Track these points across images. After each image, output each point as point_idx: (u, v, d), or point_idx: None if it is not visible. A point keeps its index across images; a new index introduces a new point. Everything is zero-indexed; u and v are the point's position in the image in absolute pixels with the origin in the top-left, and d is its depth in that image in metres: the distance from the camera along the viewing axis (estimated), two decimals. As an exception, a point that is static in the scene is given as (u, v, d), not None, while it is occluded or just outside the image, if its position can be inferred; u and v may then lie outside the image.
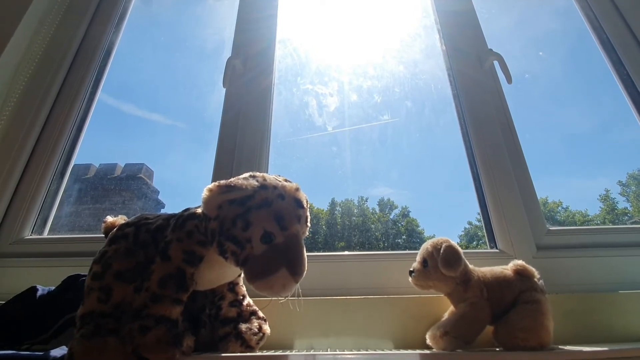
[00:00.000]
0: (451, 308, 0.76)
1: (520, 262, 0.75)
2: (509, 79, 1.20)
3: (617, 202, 2.22)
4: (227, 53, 1.32)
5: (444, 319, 0.74)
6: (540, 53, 1.79)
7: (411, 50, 1.62)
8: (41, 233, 1.11)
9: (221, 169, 1.10)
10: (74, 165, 1.24)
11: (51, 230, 1.13)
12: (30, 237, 1.06)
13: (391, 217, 2.19)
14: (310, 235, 0.64)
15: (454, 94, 1.28)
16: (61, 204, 1.18)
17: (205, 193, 0.57)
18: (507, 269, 0.75)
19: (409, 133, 1.64)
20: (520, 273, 0.73)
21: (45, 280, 0.82)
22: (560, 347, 0.67)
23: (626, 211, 2.21)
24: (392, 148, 1.65)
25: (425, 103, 1.59)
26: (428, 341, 0.70)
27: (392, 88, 1.58)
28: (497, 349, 0.69)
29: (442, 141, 1.76)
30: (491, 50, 1.25)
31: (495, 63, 1.25)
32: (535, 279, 0.72)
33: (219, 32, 1.73)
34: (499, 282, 0.72)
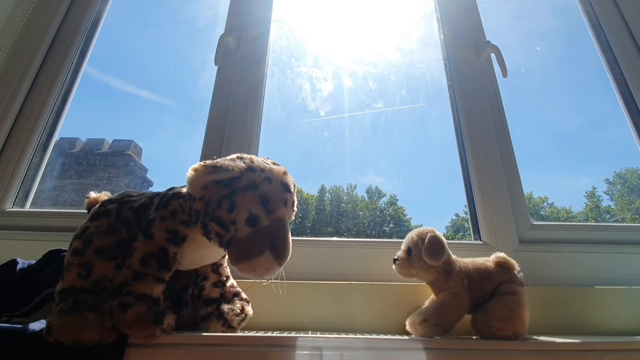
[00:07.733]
0: (432, 296, 0.78)
1: (501, 254, 0.76)
2: (504, 73, 1.20)
3: (602, 200, 2.27)
4: (221, 30, 1.27)
5: (424, 306, 0.76)
6: (538, 48, 1.79)
7: (409, 38, 1.59)
8: (23, 206, 1.08)
9: (210, 149, 1.08)
10: (60, 138, 1.20)
11: (33, 204, 1.11)
12: (12, 209, 1.04)
13: (379, 204, 2.20)
14: (300, 220, 0.63)
15: (449, 85, 1.28)
16: (44, 178, 1.15)
17: (190, 172, 0.55)
18: (489, 260, 0.76)
19: (401, 122, 1.63)
20: (501, 265, 0.74)
21: (26, 253, 0.81)
22: (534, 337, 0.69)
23: (609, 209, 2.26)
24: (384, 136, 1.65)
25: (420, 92, 1.58)
26: (407, 327, 0.71)
27: (388, 76, 1.56)
28: (474, 337, 0.71)
29: (434, 132, 1.76)
30: (489, 42, 1.24)
31: (492, 55, 1.24)
32: (515, 272, 0.74)
33: (213, 7, 1.68)
34: (480, 273, 0.74)
